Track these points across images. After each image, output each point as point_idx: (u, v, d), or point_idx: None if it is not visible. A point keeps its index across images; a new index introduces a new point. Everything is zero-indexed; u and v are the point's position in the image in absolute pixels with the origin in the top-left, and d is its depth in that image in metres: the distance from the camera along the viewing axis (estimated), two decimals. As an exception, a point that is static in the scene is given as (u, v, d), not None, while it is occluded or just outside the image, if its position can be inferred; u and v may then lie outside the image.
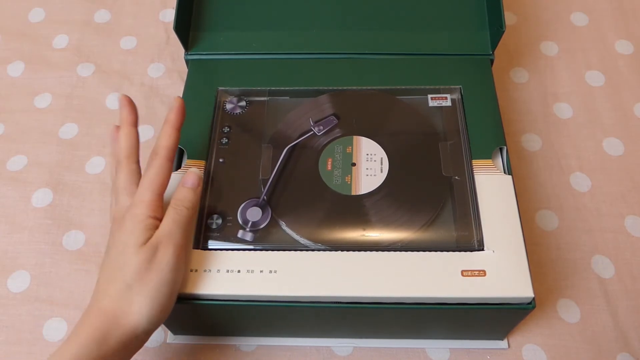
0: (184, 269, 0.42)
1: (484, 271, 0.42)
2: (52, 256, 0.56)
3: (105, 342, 0.38)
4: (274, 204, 0.47)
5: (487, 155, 0.48)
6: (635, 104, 0.63)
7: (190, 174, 0.44)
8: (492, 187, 0.47)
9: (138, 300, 0.39)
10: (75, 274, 0.55)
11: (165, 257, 0.40)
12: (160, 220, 0.42)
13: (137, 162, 0.45)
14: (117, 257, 0.40)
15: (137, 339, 0.40)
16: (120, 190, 0.43)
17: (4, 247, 0.57)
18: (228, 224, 0.46)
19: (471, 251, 0.44)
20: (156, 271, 0.39)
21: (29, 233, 0.57)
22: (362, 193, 0.48)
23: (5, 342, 0.52)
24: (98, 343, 0.38)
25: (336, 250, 0.44)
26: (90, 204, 0.59)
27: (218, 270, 0.43)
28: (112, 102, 0.65)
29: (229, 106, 0.53)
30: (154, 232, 0.41)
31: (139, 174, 0.44)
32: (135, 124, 0.46)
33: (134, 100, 0.65)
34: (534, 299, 0.42)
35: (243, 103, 0.53)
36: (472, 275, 0.42)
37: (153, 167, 0.43)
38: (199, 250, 0.44)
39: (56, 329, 0.52)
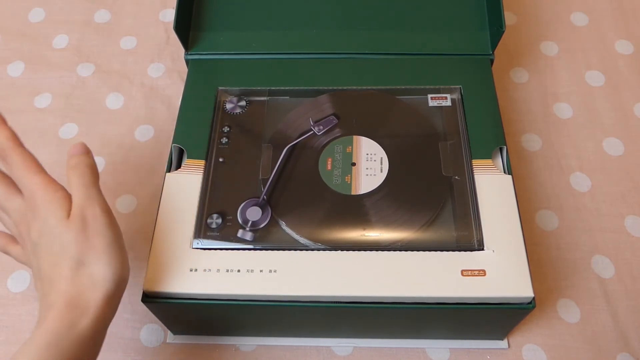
0: (118, 226, 0.41)
1: (483, 271, 0.42)
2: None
3: (76, 325, 0.37)
4: (273, 204, 0.47)
5: (487, 155, 0.48)
6: (635, 104, 0.63)
7: (73, 146, 0.43)
8: (492, 187, 0.47)
9: (95, 269, 0.38)
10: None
11: (97, 218, 0.39)
12: (65, 191, 0.41)
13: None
14: (50, 242, 0.39)
15: (112, 306, 0.40)
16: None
17: (4, 247, 0.57)
18: (228, 224, 0.46)
19: (471, 251, 0.44)
20: (95, 234, 0.39)
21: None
22: (362, 193, 0.48)
23: (5, 342, 0.52)
24: (68, 327, 0.37)
25: (336, 250, 0.44)
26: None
27: (218, 270, 0.43)
28: (112, 102, 0.65)
29: (229, 106, 0.53)
30: (70, 203, 0.40)
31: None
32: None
33: (134, 100, 0.65)
34: (534, 298, 0.42)
35: (243, 103, 0.53)
36: (472, 275, 0.42)
37: (19, 155, 0.42)
38: (199, 249, 0.44)
39: (56, 329, 0.52)
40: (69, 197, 0.41)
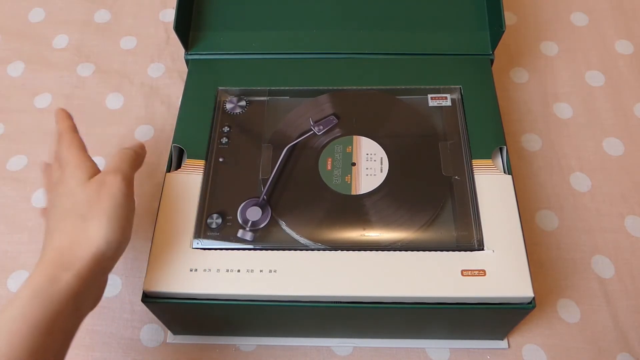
0: (134, 201, 0.42)
1: (483, 271, 0.42)
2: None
3: (57, 280, 0.37)
4: (273, 204, 0.47)
5: (487, 155, 0.48)
6: (635, 104, 0.63)
7: (137, 145, 0.46)
8: (492, 187, 0.47)
9: (93, 224, 0.39)
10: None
11: (115, 183, 0.41)
12: (94, 163, 0.44)
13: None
14: (65, 200, 0.41)
15: (101, 267, 0.39)
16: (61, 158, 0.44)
17: (4, 247, 0.57)
18: (228, 224, 0.46)
19: (471, 251, 0.44)
20: (108, 195, 0.40)
21: (29, 233, 0.57)
22: (362, 193, 0.48)
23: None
24: (50, 281, 0.37)
25: (336, 250, 0.44)
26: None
27: (218, 270, 0.43)
28: (112, 102, 0.65)
29: (229, 106, 0.53)
30: (95, 173, 0.42)
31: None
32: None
33: (134, 100, 0.65)
34: (533, 298, 0.42)
35: (243, 103, 0.53)
36: (472, 275, 0.42)
37: (69, 137, 0.45)
38: (199, 249, 0.44)
39: (56, 329, 0.52)
40: (96, 168, 0.43)
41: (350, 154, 0.50)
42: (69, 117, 0.47)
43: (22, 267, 0.55)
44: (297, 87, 0.54)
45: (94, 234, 0.39)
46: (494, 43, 0.55)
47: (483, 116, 0.51)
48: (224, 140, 0.51)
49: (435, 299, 0.42)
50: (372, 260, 0.43)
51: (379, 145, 0.50)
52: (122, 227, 0.40)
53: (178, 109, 0.52)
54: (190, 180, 0.48)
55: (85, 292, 0.39)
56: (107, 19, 0.72)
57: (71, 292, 0.37)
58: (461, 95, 0.53)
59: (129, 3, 0.73)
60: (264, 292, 0.42)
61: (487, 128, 0.50)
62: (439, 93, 0.53)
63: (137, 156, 0.45)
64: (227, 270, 0.43)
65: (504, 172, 0.48)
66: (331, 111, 0.52)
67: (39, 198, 0.59)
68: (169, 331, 0.51)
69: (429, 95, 0.53)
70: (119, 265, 0.54)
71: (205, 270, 0.43)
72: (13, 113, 0.65)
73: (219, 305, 0.43)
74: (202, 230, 0.46)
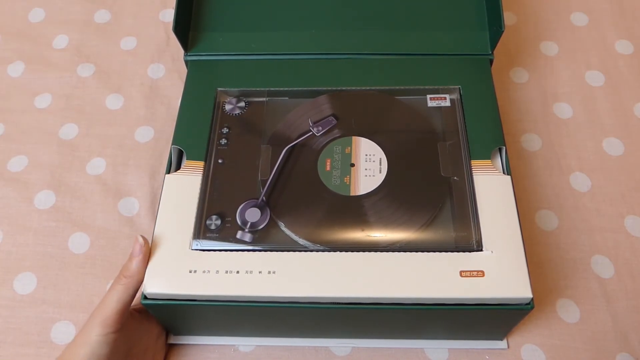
0: (119, 334, 0.43)
1: (482, 272, 0.42)
2: (58, 259, 0.56)
3: None
4: (272, 205, 0.47)
5: (486, 155, 0.48)
6: (635, 104, 0.63)
7: (136, 242, 0.44)
8: (491, 187, 0.47)
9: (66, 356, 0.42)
10: (83, 277, 0.55)
11: (90, 321, 0.43)
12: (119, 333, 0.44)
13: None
14: None
15: None
16: None
17: (8, 248, 0.57)
18: (227, 225, 0.46)
19: (470, 252, 0.44)
20: (79, 343, 0.43)
21: (34, 235, 0.57)
22: (361, 194, 0.48)
23: (13, 344, 0.52)
24: None
25: (335, 250, 0.44)
26: (93, 205, 0.59)
27: (217, 271, 0.43)
28: (112, 102, 0.65)
29: (228, 107, 0.53)
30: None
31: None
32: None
33: (134, 101, 0.65)
34: (532, 299, 0.42)
35: (242, 104, 0.53)
36: (471, 276, 0.42)
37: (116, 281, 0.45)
38: (198, 251, 0.44)
39: (64, 332, 0.52)
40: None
41: (349, 155, 0.50)
42: (144, 258, 0.45)
43: (28, 269, 0.55)
44: (296, 88, 0.54)
45: None
46: (494, 43, 0.55)
47: (482, 116, 0.51)
48: (223, 141, 0.51)
49: (434, 300, 0.42)
50: (371, 261, 0.43)
51: (378, 146, 0.50)
52: None
53: (178, 110, 0.52)
54: (190, 181, 0.48)
55: None
56: (107, 19, 0.72)
57: None
58: (460, 95, 0.53)
59: (129, 3, 0.73)
60: (263, 293, 0.42)
61: (487, 128, 0.50)
62: (438, 93, 0.53)
63: (134, 283, 0.44)
64: (226, 272, 0.43)
65: (503, 173, 0.48)
66: (330, 112, 0.52)
67: (41, 200, 0.59)
68: (169, 331, 0.51)
69: (428, 96, 0.53)
70: (119, 265, 0.55)
71: (204, 271, 0.43)
72: (13, 113, 0.65)
73: (218, 307, 0.43)
74: (202, 231, 0.46)
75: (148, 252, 0.44)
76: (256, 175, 0.49)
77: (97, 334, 0.42)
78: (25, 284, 0.55)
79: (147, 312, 0.47)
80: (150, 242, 0.45)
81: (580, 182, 0.58)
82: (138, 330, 0.47)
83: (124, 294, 0.43)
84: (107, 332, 0.42)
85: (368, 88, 0.54)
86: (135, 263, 0.44)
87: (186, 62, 0.56)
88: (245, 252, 0.44)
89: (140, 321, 0.47)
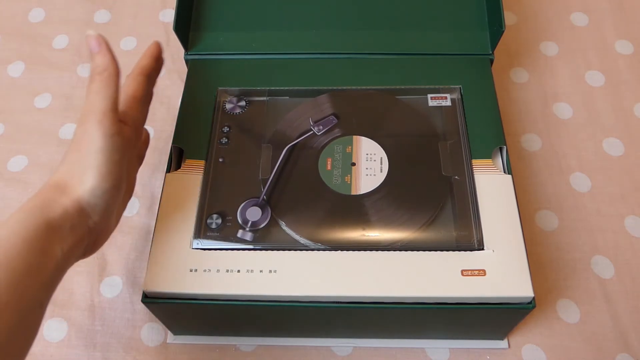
0: (120, 136, 0.39)
1: (483, 271, 0.42)
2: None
3: (49, 208, 0.36)
4: (273, 204, 0.47)
5: (487, 154, 0.48)
6: (635, 104, 0.63)
7: (88, 38, 0.41)
8: (492, 186, 0.47)
9: (75, 170, 0.38)
10: (76, 275, 0.54)
11: (90, 126, 0.38)
12: (129, 120, 0.42)
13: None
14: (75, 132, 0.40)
15: (84, 216, 0.38)
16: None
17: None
18: (228, 224, 0.46)
19: (471, 251, 0.44)
20: (84, 141, 0.38)
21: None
22: (361, 193, 0.48)
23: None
24: (41, 208, 0.36)
25: (336, 250, 0.44)
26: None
27: (218, 270, 0.43)
28: (112, 102, 0.65)
29: (228, 106, 0.53)
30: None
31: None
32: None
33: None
34: (533, 298, 0.42)
35: (243, 103, 0.53)
36: (472, 275, 0.42)
37: (126, 80, 0.44)
38: (199, 249, 0.44)
39: (57, 330, 0.52)
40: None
41: (350, 154, 0.50)
42: (106, 47, 0.41)
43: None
44: (296, 87, 0.54)
45: (77, 179, 0.38)
46: (494, 43, 0.55)
47: (483, 116, 0.51)
48: (224, 140, 0.51)
49: (435, 299, 0.42)
50: (372, 260, 0.43)
51: (378, 145, 0.50)
52: (102, 174, 0.38)
53: (178, 110, 0.52)
54: (190, 180, 0.48)
55: (71, 231, 0.38)
56: (107, 19, 0.72)
57: (66, 217, 0.37)
58: (461, 95, 0.53)
59: (129, 3, 0.73)
60: (263, 292, 0.42)
61: (487, 128, 0.50)
62: (439, 93, 0.53)
63: (108, 73, 0.40)
64: (227, 271, 0.43)
65: (504, 172, 0.48)
66: (331, 111, 0.52)
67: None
68: (169, 331, 0.51)
69: (429, 95, 0.53)
70: (120, 265, 0.55)
71: (205, 270, 0.43)
72: (13, 113, 0.65)
73: (219, 306, 0.43)
74: (202, 230, 0.46)
75: (106, 42, 0.41)
76: (257, 174, 0.49)
77: (100, 136, 0.38)
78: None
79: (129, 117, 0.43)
80: (151, 241, 0.45)
81: (580, 182, 0.58)
82: (129, 140, 0.42)
83: (108, 89, 0.39)
84: (111, 132, 0.38)
85: (369, 88, 0.54)
86: (100, 57, 0.40)
87: (186, 61, 0.56)
88: (246, 251, 0.44)
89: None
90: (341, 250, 0.44)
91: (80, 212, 0.38)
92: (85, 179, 0.38)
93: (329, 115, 0.52)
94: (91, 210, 0.38)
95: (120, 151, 0.39)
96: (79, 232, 0.38)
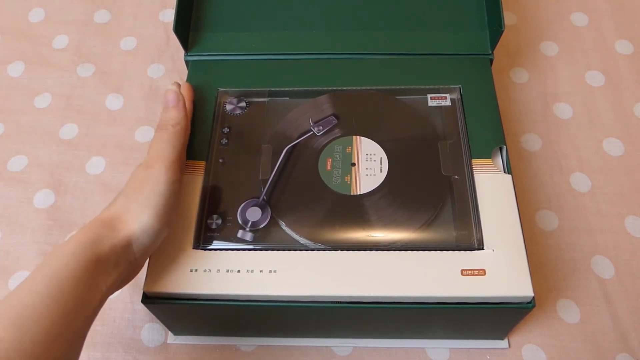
0: (179, 184, 0.44)
1: (483, 270, 0.42)
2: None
3: (100, 243, 0.38)
4: (273, 204, 0.47)
5: (487, 154, 0.48)
6: (635, 104, 0.63)
7: (168, 92, 0.46)
8: (491, 186, 0.47)
9: (132, 208, 0.40)
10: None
11: (157, 170, 0.42)
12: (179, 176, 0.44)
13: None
14: (131, 176, 0.43)
15: (129, 252, 0.40)
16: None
17: (6, 248, 0.57)
18: (228, 224, 0.46)
19: (471, 250, 0.44)
20: (149, 182, 0.41)
21: (31, 234, 0.57)
22: (361, 193, 0.48)
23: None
24: (92, 243, 0.38)
25: (336, 250, 0.44)
26: (92, 205, 0.59)
27: (218, 270, 0.43)
28: (112, 102, 0.65)
29: (228, 107, 0.53)
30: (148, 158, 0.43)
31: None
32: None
33: (134, 101, 0.65)
34: (533, 298, 0.42)
35: (243, 104, 0.53)
36: (472, 275, 0.42)
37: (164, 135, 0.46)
38: (199, 250, 0.44)
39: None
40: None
41: (350, 154, 0.50)
42: (183, 104, 0.47)
43: (24, 268, 0.55)
44: (296, 88, 0.54)
45: (132, 216, 0.40)
46: (494, 43, 0.55)
47: (483, 116, 0.51)
48: (224, 141, 0.51)
49: (435, 299, 0.42)
50: (372, 260, 0.43)
51: (378, 146, 0.50)
52: (159, 215, 0.41)
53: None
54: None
55: (116, 266, 0.39)
56: (107, 19, 0.72)
57: (113, 252, 0.38)
58: (461, 95, 0.53)
59: (129, 3, 0.73)
60: (264, 292, 0.42)
61: (487, 128, 0.50)
62: (439, 93, 0.53)
63: (177, 132, 0.45)
64: (227, 271, 0.43)
65: (504, 172, 0.48)
66: (331, 111, 0.52)
67: (40, 199, 0.59)
68: (169, 331, 0.51)
69: (429, 95, 0.53)
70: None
71: (205, 270, 0.43)
72: (13, 113, 0.65)
73: (219, 306, 0.43)
74: (202, 230, 0.46)
75: (183, 99, 0.47)
76: (257, 175, 0.49)
77: (164, 180, 0.41)
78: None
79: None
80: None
81: (580, 182, 0.58)
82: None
83: (177, 142, 0.44)
84: (174, 179, 0.42)
85: (369, 88, 0.54)
86: (176, 111, 0.45)
87: (186, 62, 0.56)
88: (246, 251, 0.44)
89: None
90: (341, 250, 0.44)
91: (127, 248, 0.40)
92: (142, 217, 0.40)
93: (329, 116, 0.52)
94: (137, 247, 0.40)
95: (177, 197, 0.43)
96: (122, 267, 0.40)
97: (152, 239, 0.41)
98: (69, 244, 0.38)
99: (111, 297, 0.53)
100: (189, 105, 0.50)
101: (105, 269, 0.38)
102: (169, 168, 0.42)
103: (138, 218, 0.40)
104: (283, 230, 0.46)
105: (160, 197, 0.41)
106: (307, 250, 0.44)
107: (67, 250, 0.37)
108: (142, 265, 0.43)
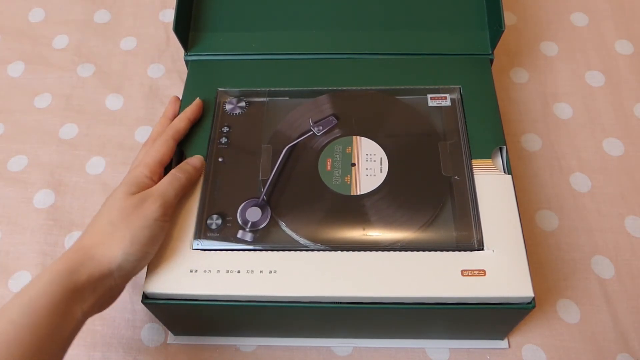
0: (167, 227, 0.44)
1: (483, 271, 0.42)
2: (54, 257, 0.56)
3: (77, 273, 0.39)
4: (273, 204, 0.47)
5: (487, 155, 0.48)
6: (635, 104, 0.63)
7: (196, 157, 0.49)
8: (491, 186, 0.47)
9: (118, 236, 0.41)
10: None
11: (152, 206, 0.42)
12: (151, 184, 0.44)
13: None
14: (107, 203, 0.43)
15: (109, 278, 0.40)
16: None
17: (6, 248, 0.57)
18: (228, 225, 0.46)
19: (471, 251, 0.44)
20: (140, 216, 0.42)
21: (31, 234, 0.57)
22: (361, 193, 0.48)
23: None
24: (69, 273, 0.39)
25: (336, 250, 0.44)
26: (92, 205, 0.59)
27: (218, 271, 0.43)
28: (112, 102, 0.65)
29: (228, 107, 0.53)
30: (146, 187, 0.44)
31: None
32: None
33: (134, 101, 0.65)
34: (533, 298, 0.42)
35: (243, 103, 0.53)
36: (472, 275, 0.42)
37: (159, 141, 0.47)
38: (199, 250, 0.44)
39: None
40: (149, 184, 0.45)
41: (350, 155, 0.50)
42: (172, 120, 0.50)
43: (24, 268, 0.55)
44: (296, 88, 0.54)
45: (115, 244, 0.40)
46: (494, 43, 0.55)
47: (483, 116, 0.51)
48: (224, 140, 0.51)
49: (435, 299, 0.42)
50: (372, 261, 0.43)
51: (378, 146, 0.50)
52: (143, 247, 0.41)
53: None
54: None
55: (93, 292, 0.40)
56: (107, 19, 0.72)
57: (90, 280, 0.39)
58: (461, 95, 0.53)
59: (129, 3, 0.73)
60: (264, 292, 0.42)
61: (487, 128, 0.50)
62: (439, 93, 0.53)
63: (187, 183, 0.46)
64: (227, 271, 0.43)
65: (504, 172, 0.48)
66: (331, 112, 0.52)
67: (40, 199, 0.59)
68: (169, 332, 0.51)
69: (429, 95, 0.53)
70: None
71: (205, 271, 0.43)
72: (13, 113, 0.65)
73: (219, 306, 0.43)
74: (202, 231, 0.46)
75: (199, 112, 0.51)
76: (257, 175, 0.49)
77: (156, 217, 0.42)
78: (21, 283, 0.54)
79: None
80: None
81: (580, 182, 0.58)
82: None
83: (184, 190, 0.46)
84: (165, 219, 0.43)
85: (369, 88, 0.54)
86: (198, 162, 0.48)
87: (186, 62, 0.56)
88: (246, 251, 0.44)
89: None
90: (341, 250, 0.44)
91: (108, 275, 0.40)
92: (127, 249, 0.40)
93: (329, 116, 0.52)
94: (118, 274, 0.41)
95: (164, 232, 0.43)
96: (100, 292, 0.40)
97: (135, 265, 0.42)
98: (47, 273, 0.39)
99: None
100: (186, 125, 0.50)
101: (81, 296, 0.39)
102: (162, 206, 0.43)
103: (123, 248, 0.40)
104: (283, 231, 0.46)
105: (147, 230, 0.42)
106: (307, 250, 0.44)
107: (45, 279, 0.38)
108: (123, 289, 0.43)
